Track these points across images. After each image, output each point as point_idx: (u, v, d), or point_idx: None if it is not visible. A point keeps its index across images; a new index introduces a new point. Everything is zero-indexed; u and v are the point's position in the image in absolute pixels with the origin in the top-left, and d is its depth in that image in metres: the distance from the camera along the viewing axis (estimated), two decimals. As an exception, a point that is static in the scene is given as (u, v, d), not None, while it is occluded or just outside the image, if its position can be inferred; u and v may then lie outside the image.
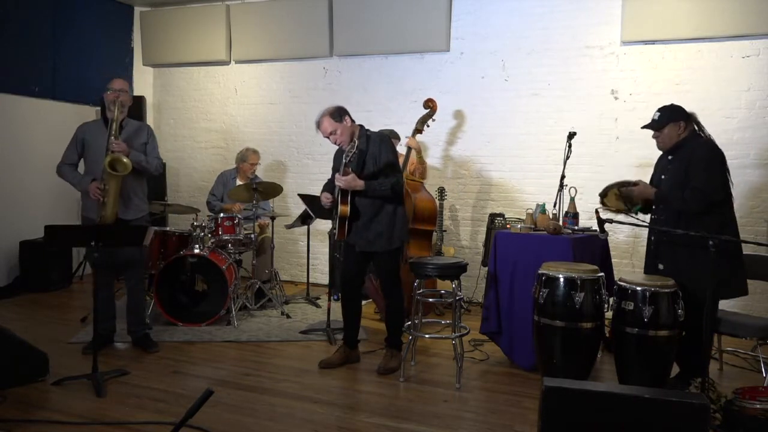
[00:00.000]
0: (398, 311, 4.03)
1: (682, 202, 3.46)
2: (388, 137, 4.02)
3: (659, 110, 3.66)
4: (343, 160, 3.74)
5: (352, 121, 3.93)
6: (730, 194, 3.56)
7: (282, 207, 6.66)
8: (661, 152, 3.77)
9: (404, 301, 4.08)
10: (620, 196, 3.73)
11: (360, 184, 3.75)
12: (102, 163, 4.03)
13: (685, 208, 3.47)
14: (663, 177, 3.66)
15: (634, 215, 3.75)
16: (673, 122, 3.59)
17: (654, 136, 3.69)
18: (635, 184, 3.68)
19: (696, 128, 3.63)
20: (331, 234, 5.16)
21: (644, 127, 3.73)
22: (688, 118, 3.61)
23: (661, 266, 3.63)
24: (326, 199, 3.95)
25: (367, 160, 3.85)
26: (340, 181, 3.74)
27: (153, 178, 4.98)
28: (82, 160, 4.32)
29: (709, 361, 3.65)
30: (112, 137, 4.01)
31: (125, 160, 4.01)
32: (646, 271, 3.79)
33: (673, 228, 3.43)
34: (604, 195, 3.77)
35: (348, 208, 3.83)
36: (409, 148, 5.37)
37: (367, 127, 4.01)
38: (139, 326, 4.36)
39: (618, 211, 3.77)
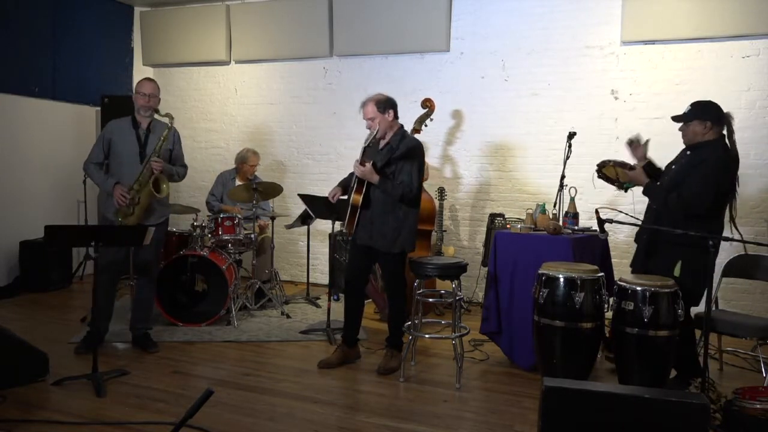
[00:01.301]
0: (400, 312, 4.04)
1: (663, 204, 3.49)
2: (421, 147, 3.97)
3: (691, 104, 3.60)
4: (363, 144, 3.78)
5: (396, 117, 3.95)
6: (723, 206, 3.52)
7: (282, 207, 6.66)
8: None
9: (407, 302, 4.09)
10: (618, 173, 3.79)
11: (375, 178, 3.78)
12: (126, 167, 4.11)
13: (664, 210, 3.50)
14: (673, 167, 3.66)
15: (625, 191, 3.88)
16: (699, 119, 3.51)
17: (680, 129, 3.63)
18: (632, 168, 3.69)
19: (725, 132, 3.52)
20: (331, 235, 5.15)
21: (673, 118, 3.64)
22: (718, 120, 3.51)
23: (650, 261, 3.66)
24: (332, 192, 4.06)
25: (394, 158, 3.86)
26: (357, 170, 3.78)
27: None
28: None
29: (698, 358, 3.68)
30: (155, 154, 4.07)
31: (164, 186, 4.09)
32: (634, 268, 3.79)
33: (661, 227, 3.47)
34: (603, 165, 3.81)
35: (360, 198, 3.85)
36: None
37: (405, 131, 4.03)
38: (142, 324, 4.35)
39: (613, 182, 3.85)
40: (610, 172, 3.83)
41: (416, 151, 3.90)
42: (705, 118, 3.50)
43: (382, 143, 3.95)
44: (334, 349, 4.24)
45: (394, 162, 3.85)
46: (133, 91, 4.27)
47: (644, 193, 3.65)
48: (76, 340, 4.43)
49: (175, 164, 4.34)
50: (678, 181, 3.50)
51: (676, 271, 3.44)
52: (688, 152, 3.61)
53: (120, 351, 4.30)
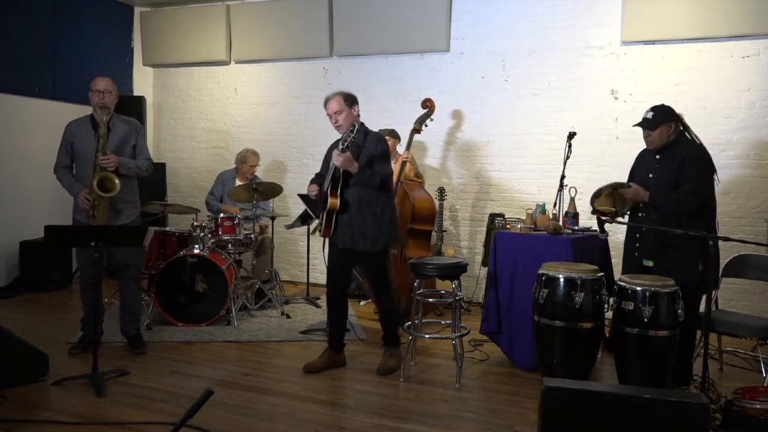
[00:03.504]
0: (391, 310, 4.03)
1: (676, 205, 3.47)
2: (385, 139, 4.02)
3: (652, 110, 3.67)
4: (340, 145, 3.73)
5: (359, 114, 3.95)
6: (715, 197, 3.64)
7: (282, 207, 6.66)
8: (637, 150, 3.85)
9: (395, 299, 4.08)
10: (614, 199, 3.61)
11: (355, 165, 3.71)
12: (90, 168, 3.99)
13: (678, 210, 3.49)
14: (651, 176, 3.66)
15: (623, 216, 3.71)
16: (665, 123, 3.61)
17: (645, 135, 3.70)
18: (628, 186, 3.65)
19: (683, 129, 3.67)
20: (323, 235, 5.14)
21: (638, 125, 3.70)
22: (677, 119, 3.65)
23: (650, 263, 3.65)
24: (313, 190, 3.98)
25: (362, 155, 3.84)
26: (337, 159, 3.68)
27: (152, 178, 4.99)
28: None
29: (693, 358, 3.70)
30: (99, 153, 3.93)
31: (116, 181, 3.94)
32: (629, 269, 3.76)
33: (661, 227, 3.46)
34: (597, 196, 3.65)
35: (338, 201, 3.81)
36: (404, 162, 5.30)
37: (367, 127, 4.01)
38: (130, 326, 4.31)
39: (607, 214, 3.67)
40: (601, 203, 3.58)
41: (384, 145, 3.91)
42: (669, 120, 3.61)
43: (348, 135, 3.81)
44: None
45: (365, 157, 3.81)
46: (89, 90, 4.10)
47: (652, 203, 3.59)
48: (75, 340, 4.43)
49: (138, 158, 4.20)
50: (671, 182, 3.53)
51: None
52: (657, 156, 3.67)
53: (120, 351, 4.30)
